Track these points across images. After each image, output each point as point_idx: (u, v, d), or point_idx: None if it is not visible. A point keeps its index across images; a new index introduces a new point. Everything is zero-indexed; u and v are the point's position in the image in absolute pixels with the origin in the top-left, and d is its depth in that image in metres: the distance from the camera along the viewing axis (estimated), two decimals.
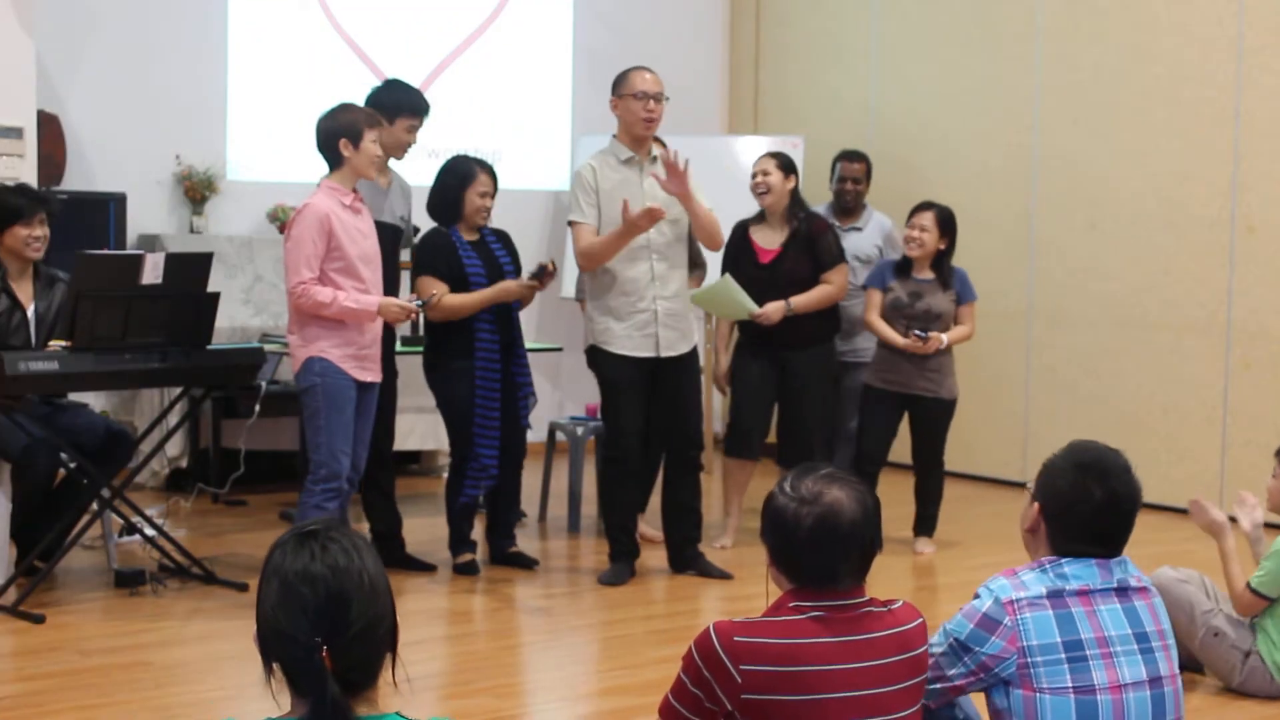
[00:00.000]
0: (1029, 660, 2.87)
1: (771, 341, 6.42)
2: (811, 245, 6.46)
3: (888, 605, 2.76)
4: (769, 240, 6.46)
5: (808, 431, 6.55)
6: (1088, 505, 2.96)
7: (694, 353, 6.06)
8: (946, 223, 6.49)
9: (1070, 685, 2.86)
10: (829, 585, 2.70)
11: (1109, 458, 3.02)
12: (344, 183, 5.47)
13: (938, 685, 2.95)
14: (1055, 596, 2.91)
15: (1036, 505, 3.05)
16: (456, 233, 6.00)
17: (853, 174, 7.23)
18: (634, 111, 5.89)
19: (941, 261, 6.52)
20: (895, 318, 6.49)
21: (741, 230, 6.55)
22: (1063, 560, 2.96)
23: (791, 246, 6.45)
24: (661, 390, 6.00)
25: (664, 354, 5.90)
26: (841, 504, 2.69)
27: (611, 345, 5.90)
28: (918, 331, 6.37)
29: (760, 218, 6.51)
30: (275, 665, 2.11)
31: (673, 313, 5.91)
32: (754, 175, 6.47)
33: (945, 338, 6.42)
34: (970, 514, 7.50)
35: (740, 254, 6.47)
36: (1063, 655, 2.87)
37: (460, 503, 6.07)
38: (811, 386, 6.54)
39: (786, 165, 6.48)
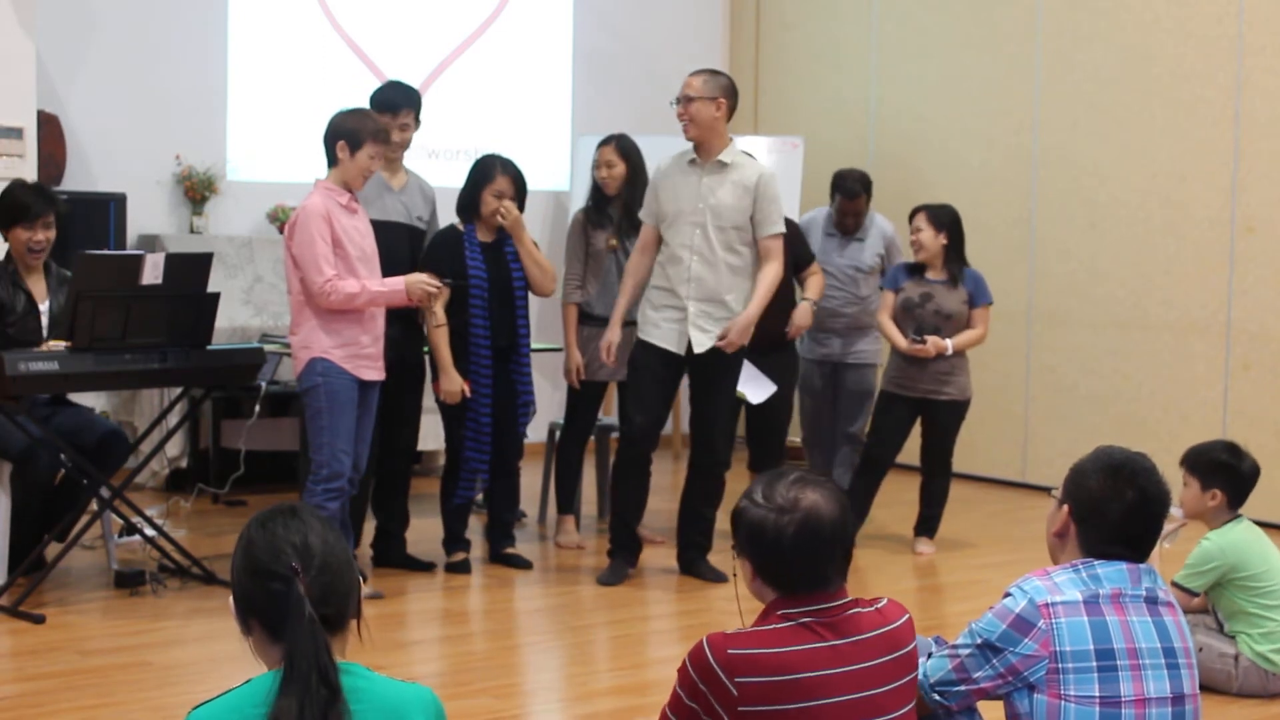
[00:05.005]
0: (1060, 666, 2.84)
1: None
2: (792, 242, 6.56)
3: (873, 604, 2.74)
4: None
5: (779, 435, 6.74)
6: (1119, 506, 2.94)
7: (729, 362, 5.94)
8: (941, 219, 6.51)
9: (1097, 695, 2.83)
10: (818, 589, 2.69)
11: (1138, 460, 3.00)
12: (339, 183, 5.46)
13: (962, 687, 2.92)
14: (1090, 603, 2.88)
15: (1066, 508, 3.01)
16: (471, 231, 5.99)
17: (854, 210, 7.05)
18: (677, 116, 5.91)
19: (950, 260, 6.53)
20: (906, 319, 6.51)
21: None
22: (1095, 561, 2.94)
23: None
24: (692, 391, 6.03)
25: (695, 350, 5.86)
26: (820, 507, 2.67)
27: (643, 332, 5.93)
28: (913, 335, 6.41)
29: None
30: (254, 623, 2.24)
31: (705, 314, 5.86)
32: None
33: (949, 344, 6.42)
34: (970, 514, 7.50)
35: None
36: (1094, 664, 2.84)
37: (455, 504, 6.09)
38: (780, 390, 6.63)
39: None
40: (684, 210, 5.85)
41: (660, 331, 5.89)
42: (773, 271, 5.89)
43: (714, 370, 5.92)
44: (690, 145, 5.90)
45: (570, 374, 6.50)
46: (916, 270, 6.60)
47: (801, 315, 6.52)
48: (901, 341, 6.47)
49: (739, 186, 5.86)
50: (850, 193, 7.02)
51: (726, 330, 5.80)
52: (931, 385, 6.50)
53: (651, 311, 5.92)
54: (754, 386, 6.45)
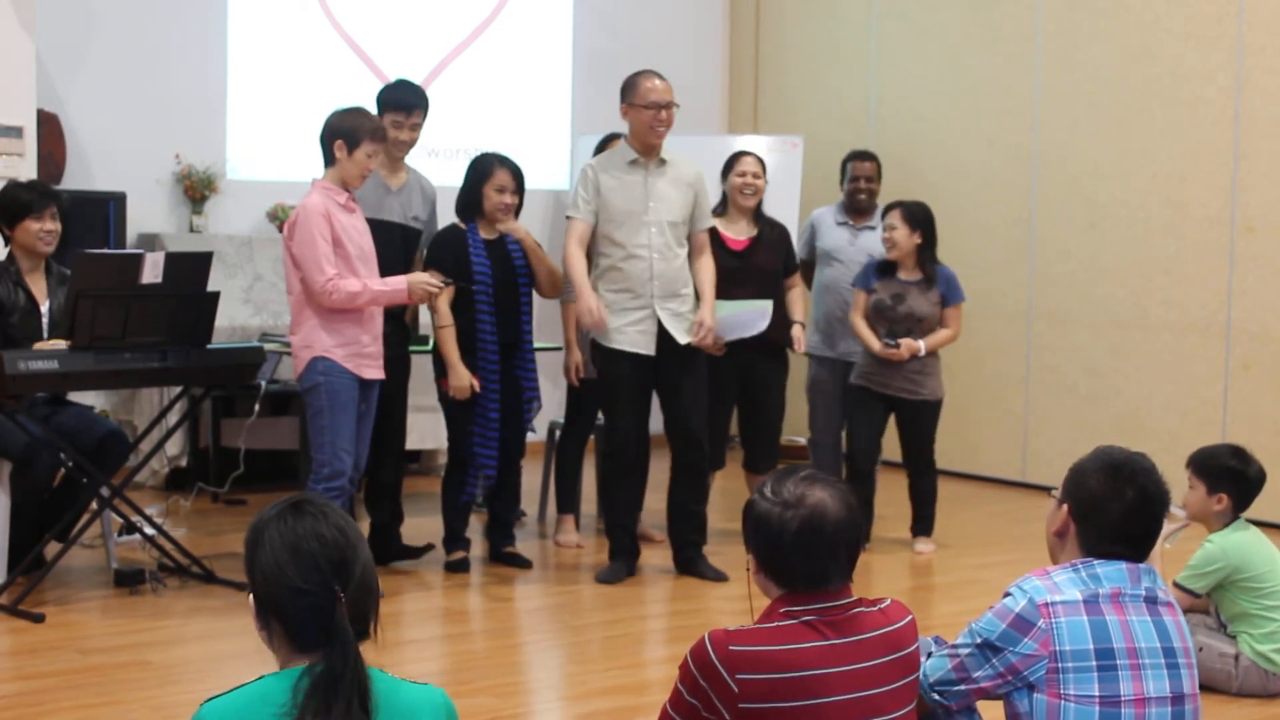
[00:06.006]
0: (1059, 665, 2.84)
1: (732, 349, 6.37)
2: (782, 246, 6.63)
3: (877, 604, 2.76)
4: (736, 231, 6.55)
5: (774, 433, 6.73)
6: (1120, 505, 2.94)
7: (699, 354, 5.99)
8: (915, 217, 6.49)
9: (1097, 694, 2.83)
10: (819, 587, 2.70)
11: (1138, 459, 3.01)
12: (336, 182, 5.46)
13: (961, 686, 2.92)
14: (1090, 602, 2.88)
15: (1066, 507, 3.02)
16: (474, 229, 5.99)
17: (865, 173, 7.15)
18: (644, 121, 5.90)
19: (923, 259, 6.51)
20: (878, 320, 6.50)
21: None
22: (1094, 561, 2.94)
23: (761, 241, 6.58)
24: (663, 390, 6.01)
25: (683, 343, 5.87)
26: (826, 505, 2.69)
27: (609, 340, 5.91)
28: (887, 339, 6.40)
29: (720, 211, 6.54)
30: (276, 624, 2.22)
31: (670, 310, 5.90)
32: (741, 174, 6.51)
33: (922, 345, 6.41)
34: (970, 514, 7.51)
35: (710, 242, 6.49)
36: (1094, 663, 2.84)
37: (460, 501, 6.09)
38: (774, 390, 6.65)
39: (764, 169, 6.67)
40: (635, 210, 5.87)
41: (627, 337, 5.89)
42: (711, 263, 6.06)
43: (686, 364, 5.95)
44: (622, 146, 5.99)
45: (569, 372, 6.51)
46: (888, 269, 6.57)
47: (800, 335, 6.58)
48: (875, 344, 6.45)
49: (681, 182, 5.96)
50: (862, 154, 7.15)
51: (700, 323, 5.88)
52: (905, 385, 6.48)
53: (614, 318, 5.88)
54: (745, 324, 6.31)
